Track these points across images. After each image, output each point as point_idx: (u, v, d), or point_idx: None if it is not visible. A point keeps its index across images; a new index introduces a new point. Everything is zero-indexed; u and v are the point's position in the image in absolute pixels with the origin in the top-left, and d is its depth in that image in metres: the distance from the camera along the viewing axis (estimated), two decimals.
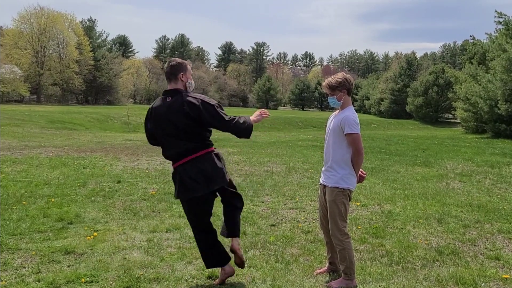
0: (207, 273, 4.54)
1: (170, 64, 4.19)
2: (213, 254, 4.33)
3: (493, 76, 26.84)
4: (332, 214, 4.34)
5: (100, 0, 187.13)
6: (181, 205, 7.24)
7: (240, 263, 4.39)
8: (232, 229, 4.41)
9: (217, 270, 4.60)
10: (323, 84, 4.46)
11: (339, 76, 4.40)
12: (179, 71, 4.16)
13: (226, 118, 4.10)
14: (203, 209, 4.30)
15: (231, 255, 4.38)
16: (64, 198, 7.70)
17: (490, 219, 6.85)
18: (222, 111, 4.12)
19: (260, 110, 4.49)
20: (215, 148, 4.27)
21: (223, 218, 4.50)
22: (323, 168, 4.59)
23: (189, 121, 4.00)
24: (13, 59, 62.09)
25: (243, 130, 4.18)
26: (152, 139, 4.40)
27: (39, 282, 4.28)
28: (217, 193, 4.36)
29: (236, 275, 4.52)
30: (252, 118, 4.35)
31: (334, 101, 4.40)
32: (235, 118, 4.14)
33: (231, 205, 4.45)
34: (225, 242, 4.71)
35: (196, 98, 4.08)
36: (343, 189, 4.34)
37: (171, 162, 4.25)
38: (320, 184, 4.62)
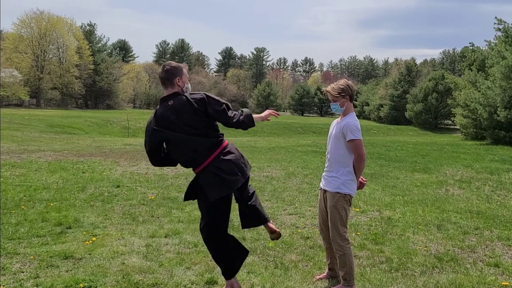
0: (205, 279, 4.53)
1: (165, 68, 3.98)
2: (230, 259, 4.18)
3: (493, 83, 26.87)
4: (333, 219, 4.34)
5: (101, 5, 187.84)
6: (180, 210, 7.27)
7: (278, 236, 4.46)
8: (263, 213, 4.36)
9: (216, 276, 4.59)
10: (327, 89, 4.46)
11: (342, 82, 4.42)
12: (175, 76, 3.95)
13: (229, 114, 3.96)
14: (229, 206, 4.12)
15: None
16: (63, 202, 7.69)
17: (490, 226, 6.85)
18: (225, 105, 3.98)
19: (270, 110, 4.35)
20: (226, 141, 4.11)
21: (242, 210, 4.30)
22: (324, 173, 4.59)
23: (200, 118, 3.85)
24: (13, 63, 62.19)
25: (242, 124, 4.03)
26: (156, 153, 4.04)
27: (37, 287, 4.27)
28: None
29: None
30: (257, 115, 4.23)
31: (337, 107, 4.41)
32: (236, 115, 4.00)
33: (250, 193, 4.28)
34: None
35: (199, 92, 3.96)
36: (344, 194, 4.34)
37: (192, 167, 4.00)
38: (320, 189, 4.62)
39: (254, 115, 4.13)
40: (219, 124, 4.04)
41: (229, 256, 4.14)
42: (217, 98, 3.99)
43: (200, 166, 3.92)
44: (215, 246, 4.11)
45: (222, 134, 4.05)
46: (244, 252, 4.27)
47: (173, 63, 4.04)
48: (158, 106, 4.02)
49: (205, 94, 3.95)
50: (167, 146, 4.02)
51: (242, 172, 3.97)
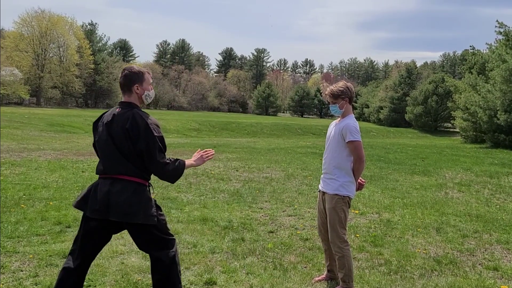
0: (204, 279, 4.53)
1: (124, 73, 3.58)
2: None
3: (493, 86, 26.91)
4: (332, 221, 4.34)
5: (101, 4, 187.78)
6: (179, 211, 7.27)
7: None
8: None
9: (215, 276, 4.59)
10: (326, 92, 4.46)
11: (341, 84, 4.42)
12: (134, 83, 3.56)
13: (159, 158, 3.46)
14: (103, 238, 3.69)
15: None
16: (63, 201, 7.69)
17: (489, 229, 6.85)
18: (161, 147, 3.49)
19: (203, 151, 3.85)
20: (149, 185, 3.63)
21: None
22: (322, 175, 4.59)
23: (127, 142, 3.43)
24: (14, 61, 62.17)
25: (168, 176, 3.58)
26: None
27: (36, 285, 4.27)
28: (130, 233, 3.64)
29: (234, 282, 4.51)
30: (190, 161, 3.75)
31: (336, 109, 4.42)
32: (168, 163, 3.51)
33: (156, 261, 3.62)
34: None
35: (143, 118, 3.46)
36: (343, 196, 4.34)
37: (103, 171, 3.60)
38: (319, 191, 4.62)
39: (187, 162, 3.69)
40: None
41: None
42: (157, 134, 3.49)
43: (101, 175, 3.56)
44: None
45: (148, 177, 3.60)
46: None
47: (135, 68, 3.65)
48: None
49: (147, 123, 3.45)
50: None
51: (107, 209, 3.43)
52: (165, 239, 3.62)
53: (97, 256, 5.04)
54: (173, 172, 3.55)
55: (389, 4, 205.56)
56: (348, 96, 4.39)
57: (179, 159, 3.62)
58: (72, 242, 3.72)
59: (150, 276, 4.58)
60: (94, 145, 3.77)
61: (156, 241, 3.58)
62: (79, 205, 3.61)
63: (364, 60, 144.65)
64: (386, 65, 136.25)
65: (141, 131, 3.42)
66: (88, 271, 4.58)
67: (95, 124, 3.70)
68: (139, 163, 3.49)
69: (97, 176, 3.60)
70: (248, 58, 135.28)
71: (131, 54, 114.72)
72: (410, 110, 59.18)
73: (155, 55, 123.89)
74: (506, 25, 26.29)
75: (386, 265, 5.18)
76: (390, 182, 11.08)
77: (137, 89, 3.59)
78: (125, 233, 5.96)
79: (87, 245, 3.62)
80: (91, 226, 3.55)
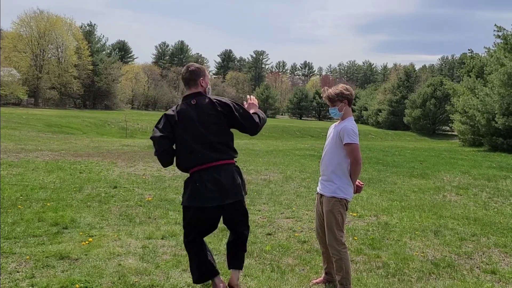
0: None
1: (189, 69, 4.01)
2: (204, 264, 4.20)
3: (491, 89, 26.95)
4: (329, 224, 4.33)
5: (101, 5, 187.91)
6: (177, 212, 7.25)
7: None
8: (236, 259, 4.27)
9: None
10: (324, 95, 4.46)
11: (340, 87, 4.43)
12: (199, 76, 4.00)
13: (255, 119, 4.06)
14: (210, 223, 4.15)
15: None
16: (60, 202, 7.66)
17: (487, 233, 6.85)
18: (247, 111, 4.09)
19: (250, 100, 4.39)
20: (235, 162, 4.13)
21: (226, 246, 4.38)
22: (320, 178, 4.59)
23: (220, 122, 3.90)
24: (12, 62, 62.14)
25: (260, 128, 4.18)
26: (169, 151, 4.00)
27: (32, 287, 4.25)
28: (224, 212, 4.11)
29: None
30: (254, 111, 4.28)
31: (335, 111, 4.41)
32: (259, 119, 4.11)
33: (237, 233, 4.23)
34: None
35: (224, 98, 4.03)
36: (340, 198, 4.33)
37: (192, 164, 3.98)
38: (317, 193, 4.62)
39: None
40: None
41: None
42: (240, 104, 4.08)
43: (193, 169, 3.91)
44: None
45: (234, 155, 4.08)
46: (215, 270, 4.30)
47: (196, 64, 4.09)
48: (179, 103, 4.04)
49: (231, 100, 4.03)
50: (176, 143, 4.00)
51: (223, 194, 3.90)
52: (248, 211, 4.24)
53: (94, 257, 5.07)
54: (262, 122, 4.17)
55: (388, 7, 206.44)
56: (347, 98, 4.39)
57: (259, 114, 4.19)
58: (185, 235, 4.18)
59: (147, 277, 4.58)
60: (162, 151, 3.96)
61: (246, 213, 4.19)
62: (188, 202, 3.96)
63: (363, 63, 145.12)
64: (385, 68, 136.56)
65: (231, 106, 3.95)
66: (85, 273, 4.61)
67: (171, 125, 3.93)
68: (230, 145, 4.03)
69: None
70: (247, 60, 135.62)
71: (129, 55, 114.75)
72: (409, 113, 59.34)
73: (154, 56, 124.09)
74: (504, 29, 26.34)
75: (384, 268, 5.17)
76: (388, 185, 11.07)
77: (202, 82, 4.02)
78: (122, 234, 5.96)
79: (203, 232, 4.19)
80: (205, 214, 3.99)
